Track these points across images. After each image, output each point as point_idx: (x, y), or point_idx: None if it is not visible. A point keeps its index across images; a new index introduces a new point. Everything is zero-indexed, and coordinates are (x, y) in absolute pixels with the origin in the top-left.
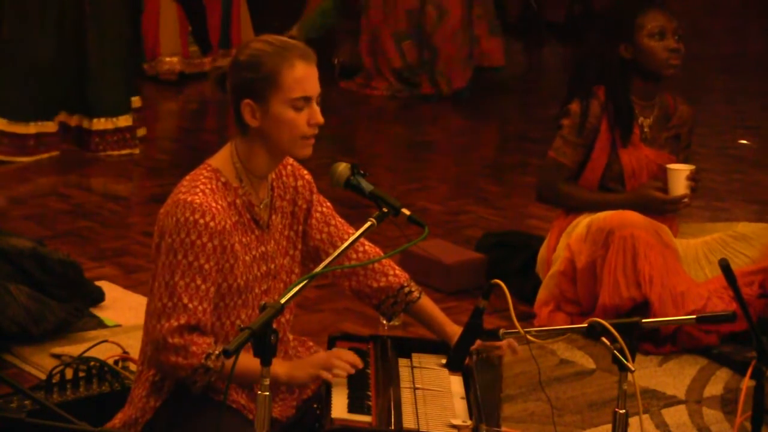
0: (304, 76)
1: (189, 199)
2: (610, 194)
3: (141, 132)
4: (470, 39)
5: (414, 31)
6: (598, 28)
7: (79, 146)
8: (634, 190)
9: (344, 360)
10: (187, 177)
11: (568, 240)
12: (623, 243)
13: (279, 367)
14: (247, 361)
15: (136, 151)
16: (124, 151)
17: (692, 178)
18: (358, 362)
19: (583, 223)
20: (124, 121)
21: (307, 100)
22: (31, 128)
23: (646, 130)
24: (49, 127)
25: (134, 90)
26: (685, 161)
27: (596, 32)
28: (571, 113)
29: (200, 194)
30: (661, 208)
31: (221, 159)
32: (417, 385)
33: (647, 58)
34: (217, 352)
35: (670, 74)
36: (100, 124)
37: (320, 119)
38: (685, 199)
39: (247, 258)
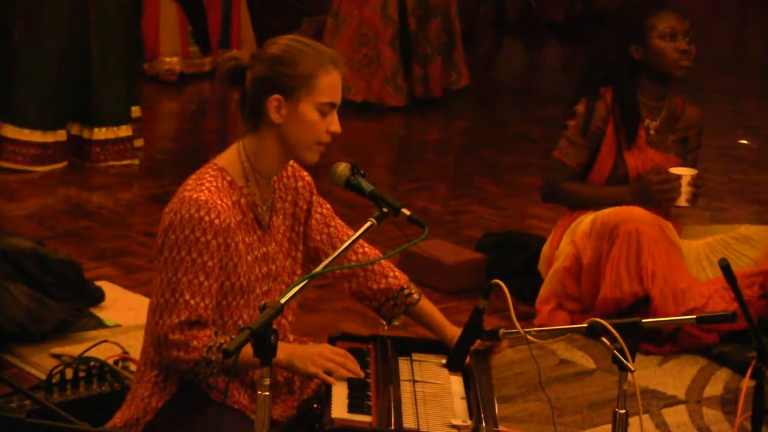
0: (335, 83)
1: (195, 196)
2: (610, 187)
3: (138, 143)
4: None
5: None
6: (610, 28)
7: (80, 157)
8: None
9: (347, 369)
10: (193, 176)
11: (573, 236)
12: (628, 237)
13: (281, 351)
14: (249, 349)
15: (136, 161)
16: (124, 162)
17: (694, 183)
18: (360, 373)
19: (587, 219)
20: (125, 131)
21: (333, 106)
22: (49, 137)
23: (652, 132)
24: (61, 135)
25: (135, 99)
26: (693, 164)
27: (607, 32)
28: (577, 114)
29: (206, 192)
30: (657, 188)
31: (227, 158)
32: (417, 386)
33: (658, 59)
34: (218, 343)
35: (681, 76)
36: (101, 133)
37: (338, 128)
38: (683, 202)
39: (249, 258)
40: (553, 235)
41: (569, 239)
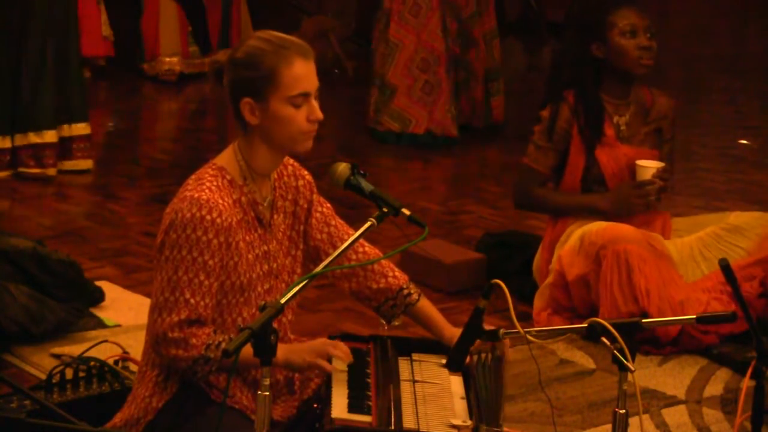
0: (302, 73)
1: (196, 195)
2: (584, 195)
3: (86, 164)
4: None
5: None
6: (570, 28)
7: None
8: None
9: (341, 351)
10: (193, 176)
11: (560, 251)
12: (616, 258)
13: (277, 351)
14: (248, 350)
15: (51, 172)
16: (33, 170)
17: (659, 176)
18: (350, 357)
19: (575, 235)
20: (7, 141)
21: (305, 96)
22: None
23: (623, 128)
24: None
25: (80, 115)
26: (668, 154)
27: (568, 32)
28: (542, 119)
29: (207, 191)
30: (632, 195)
31: (226, 158)
32: (417, 386)
33: (619, 57)
34: (217, 341)
35: (642, 73)
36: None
37: (319, 115)
38: (652, 197)
39: (250, 256)
40: (541, 250)
41: (558, 253)
